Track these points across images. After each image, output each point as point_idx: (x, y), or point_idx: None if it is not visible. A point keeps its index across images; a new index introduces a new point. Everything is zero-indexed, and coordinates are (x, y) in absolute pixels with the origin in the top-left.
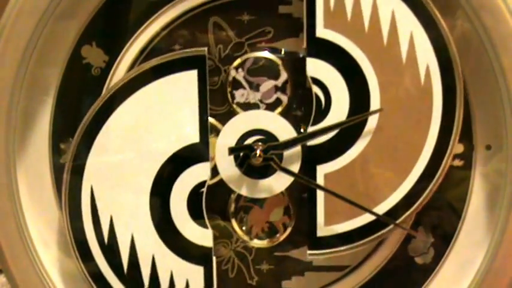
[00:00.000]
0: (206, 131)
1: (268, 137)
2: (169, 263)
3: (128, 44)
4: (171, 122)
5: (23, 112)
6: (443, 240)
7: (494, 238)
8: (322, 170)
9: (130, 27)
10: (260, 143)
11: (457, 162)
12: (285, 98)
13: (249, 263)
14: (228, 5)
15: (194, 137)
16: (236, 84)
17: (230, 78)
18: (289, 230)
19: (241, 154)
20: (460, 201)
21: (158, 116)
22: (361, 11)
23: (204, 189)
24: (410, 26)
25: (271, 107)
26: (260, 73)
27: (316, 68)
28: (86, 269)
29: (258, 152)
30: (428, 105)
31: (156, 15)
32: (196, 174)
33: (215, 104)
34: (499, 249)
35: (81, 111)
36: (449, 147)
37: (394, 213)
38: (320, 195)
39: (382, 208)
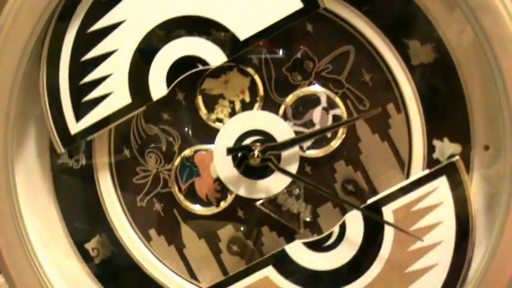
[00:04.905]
0: (255, 40)
1: (266, 137)
2: (116, 83)
3: None
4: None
5: (21, 112)
6: None
7: (492, 239)
8: None
9: None
10: (258, 144)
11: None
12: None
13: (152, 191)
14: (366, 51)
15: (242, 34)
16: (305, 101)
17: (306, 91)
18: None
19: (239, 154)
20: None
21: None
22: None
23: (199, 68)
24: None
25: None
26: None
27: (353, 220)
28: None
29: (256, 152)
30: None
31: None
32: (211, 50)
33: (278, 91)
34: (497, 251)
35: None
36: None
37: None
38: None
39: None
